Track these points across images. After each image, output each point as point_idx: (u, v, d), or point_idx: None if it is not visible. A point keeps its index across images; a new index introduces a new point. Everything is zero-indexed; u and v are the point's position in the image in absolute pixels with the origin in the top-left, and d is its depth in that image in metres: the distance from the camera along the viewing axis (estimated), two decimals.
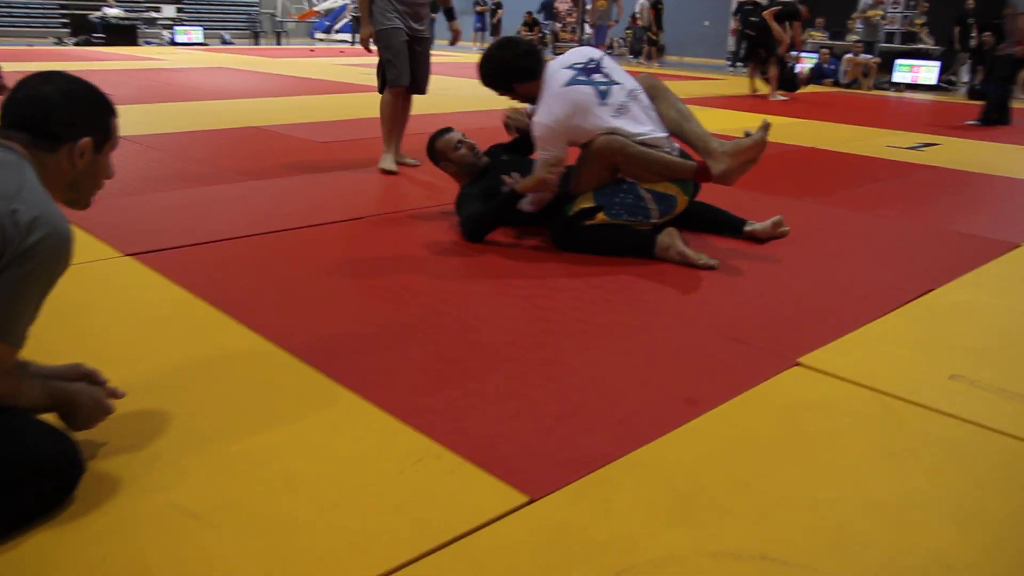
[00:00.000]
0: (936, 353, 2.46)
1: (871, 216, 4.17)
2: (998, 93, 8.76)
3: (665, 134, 3.25)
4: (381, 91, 4.88)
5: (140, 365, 2.14)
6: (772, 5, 10.45)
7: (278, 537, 1.47)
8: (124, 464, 1.66)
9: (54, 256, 1.42)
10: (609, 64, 3.34)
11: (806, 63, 13.93)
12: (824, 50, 14.23)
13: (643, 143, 3.15)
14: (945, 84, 13.71)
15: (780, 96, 10.44)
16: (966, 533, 1.57)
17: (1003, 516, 1.64)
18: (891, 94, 12.74)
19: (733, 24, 16.67)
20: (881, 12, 13.98)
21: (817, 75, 13.79)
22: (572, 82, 3.20)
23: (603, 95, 3.18)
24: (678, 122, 3.27)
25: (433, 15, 4.97)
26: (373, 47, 4.80)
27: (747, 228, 3.57)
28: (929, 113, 9.79)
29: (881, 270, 3.24)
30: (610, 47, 20.12)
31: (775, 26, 10.27)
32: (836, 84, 13.64)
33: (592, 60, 3.31)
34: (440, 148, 3.69)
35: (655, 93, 3.34)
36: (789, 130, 7.45)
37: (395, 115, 4.87)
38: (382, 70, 4.83)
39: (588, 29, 16.88)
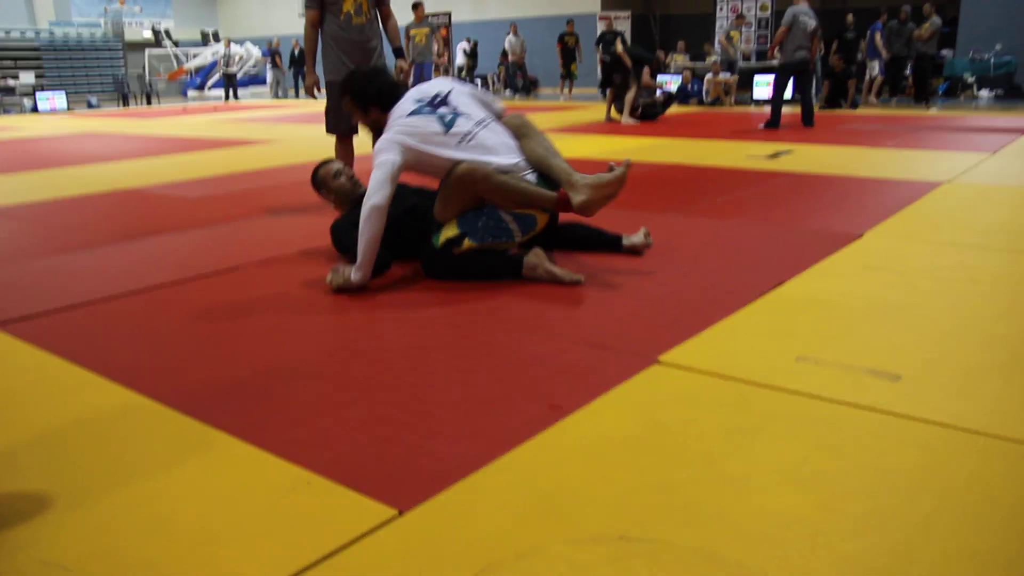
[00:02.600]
0: (784, 339, 2.65)
1: (729, 222, 4.43)
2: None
3: (516, 159, 3.37)
4: (328, 132, 5.12)
5: (6, 433, 2.11)
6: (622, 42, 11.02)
7: None
8: None
9: None
10: (458, 97, 3.48)
11: (670, 85, 14.57)
12: (687, 71, 14.92)
13: (499, 170, 3.28)
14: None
15: (631, 120, 10.91)
16: (804, 492, 1.72)
17: (837, 473, 1.80)
18: (752, 109, 13.44)
19: (598, 54, 17.29)
20: (739, 34, 14.79)
21: (682, 95, 14.44)
22: (414, 113, 3.36)
23: (447, 125, 3.33)
24: (545, 157, 3.39)
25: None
26: (318, 94, 5.12)
27: (626, 243, 3.74)
28: (783, 123, 10.38)
29: (736, 270, 3.46)
30: (484, 82, 20.60)
31: (626, 57, 10.82)
32: (700, 103, 14.29)
33: (439, 95, 3.45)
34: (321, 176, 3.88)
35: (523, 132, 3.48)
36: (655, 149, 7.80)
37: (341, 157, 5.07)
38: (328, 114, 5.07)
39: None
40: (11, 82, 20.31)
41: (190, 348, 2.72)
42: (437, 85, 3.53)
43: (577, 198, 3.27)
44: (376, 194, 3.19)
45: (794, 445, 1.94)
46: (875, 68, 14.05)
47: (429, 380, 2.38)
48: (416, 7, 13.43)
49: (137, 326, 2.97)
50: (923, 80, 13.62)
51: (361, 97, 3.53)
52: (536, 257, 3.31)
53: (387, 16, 5.07)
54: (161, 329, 2.93)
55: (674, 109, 12.93)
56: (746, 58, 16.41)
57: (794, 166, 6.49)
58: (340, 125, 5.02)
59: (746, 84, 14.75)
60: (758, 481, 1.77)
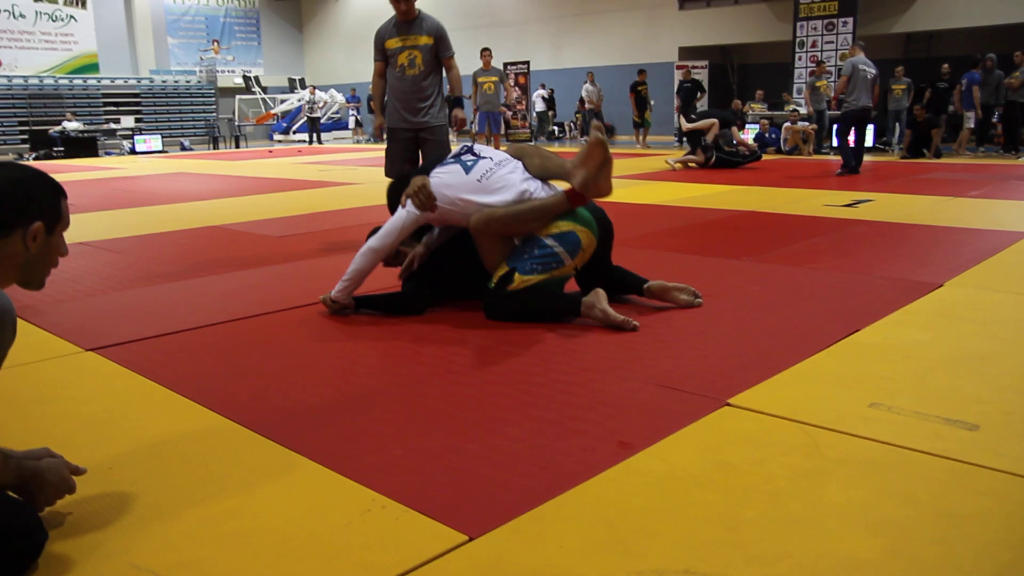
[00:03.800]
0: (857, 386, 2.62)
1: (803, 269, 4.40)
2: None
3: (525, 187, 3.45)
4: (386, 175, 5.40)
5: (100, 448, 2.23)
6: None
7: None
8: (86, 533, 1.76)
9: None
10: (479, 147, 3.69)
11: (749, 134, 14.52)
12: (764, 120, 14.85)
13: (504, 204, 3.39)
14: (881, 146, 14.33)
15: (677, 165, 11.26)
16: (874, 537, 1.71)
17: (907, 520, 1.78)
18: (831, 157, 13.27)
19: (676, 102, 17.35)
20: (825, 83, 14.66)
21: (759, 144, 14.36)
22: (440, 167, 3.58)
23: (468, 168, 3.51)
24: (542, 166, 3.56)
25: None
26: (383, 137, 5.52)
27: (645, 286, 3.65)
28: (864, 172, 10.24)
29: (809, 316, 3.44)
30: (561, 129, 20.85)
31: (695, 125, 11.36)
32: (778, 151, 14.19)
33: (464, 146, 3.70)
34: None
35: (520, 154, 3.64)
36: (730, 196, 7.78)
37: None
38: None
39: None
40: (112, 125, 21.45)
41: (272, 376, 2.84)
42: (465, 144, 3.76)
43: (577, 180, 3.35)
44: (379, 239, 3.47)
45: (864, 490, 1.92)
46: (971, 120, 13.71)
47: (499, 415, 2.43)
48: (483, 53, 13.61)
49: (223, 355, 3.11)
50: (1012, 129, 13.26)
51: (393, 211, 3.69)
52: (595, 296, 3.34)
53: (448, 68, 5.28)
54: (245, 358, 3.06)
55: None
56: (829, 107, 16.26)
57: (873, 215, 6.39)
58: (392, 169, 5.31)
59: (826, 133, 14.60)
60: (826, 524, 1.77)
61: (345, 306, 3.60)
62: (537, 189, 3.47)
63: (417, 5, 5.11)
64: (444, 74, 5.33)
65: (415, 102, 5.17)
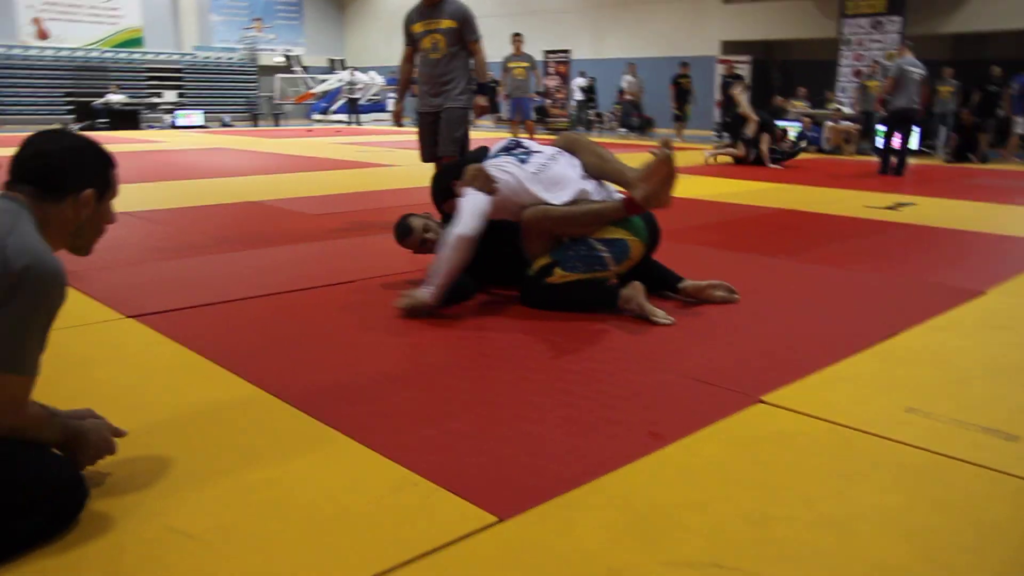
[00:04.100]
0: (894, 389, 2.59)
1: (841, 271, 4.35)
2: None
3: (583, 185, 3.42)
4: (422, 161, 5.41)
5: (140, 412, 2.28)
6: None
7: (264, 553, 1.59)
8: (125, 494, 1.80)
9: (46, 285, 1.56)
10: (526, 142, 3.66)
11: (790, 131, 14.35)
12: (806, 118, 14.66)
13: (562, 204, 3.35)
14: (926, 148, 14.09)
15: (711, 160, 11.13)
16: (909, 544, 1.69)
17: (945, 528, 1.76)
18: (874, 159, 13.08)
19: (718, 96, 17.18)
20: (876, 83, 14.39)
21: (797, 149, 14.19)
22: (492, 157, 3.55)
23: (523, 161, 3.48)
24: (598, 165, 3.51)
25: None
26: (404, 123, 5.58)
27: (680, 285, 3.63)
28: (907, 175, 10.08)
29: (847, 318, 3.40)
30: (599, 119, 20.75)
31: (751, 113, 11.17)
32: (819, 151, 14.01)
33: (512, 140, 3.66)
34: (408, 247, 3.78)
35: (575, 147, 3.60)
36: (769, 193, 7.71)
37: None
38: None
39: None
40: (155, 99, 21.70)
41: (307, 351, 2.87)
42: (510, 140, 3.73)
43: (638, 193, 3.31)
44: (465, 224, 3.23)
45: (899, 495, 1.91)
46: (1020, 125, 13.41)
47: (532, 400, 2.44)
48: (514, 38, 13.40)
49: (261, 327, 3.15)
50: None
51: (438, 201, 3.67)
52: (632, 290, 3.32)
53: (473, 52, 5.22)
54: (282, 332, 3.09)
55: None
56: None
57: (915, 218, 6.30)
58: (425, 153, 5.31)
59: (868, 133, 14.37)
60: (858, 526, 1.76)
61: (433, 310, 3.28)
62: (594, 189, 3.44)
63: None
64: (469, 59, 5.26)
65: (437, 85, 5.16)
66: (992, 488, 1.95)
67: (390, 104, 24.23)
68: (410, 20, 5.21)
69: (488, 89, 5.44)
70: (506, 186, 3.39)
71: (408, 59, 5.30)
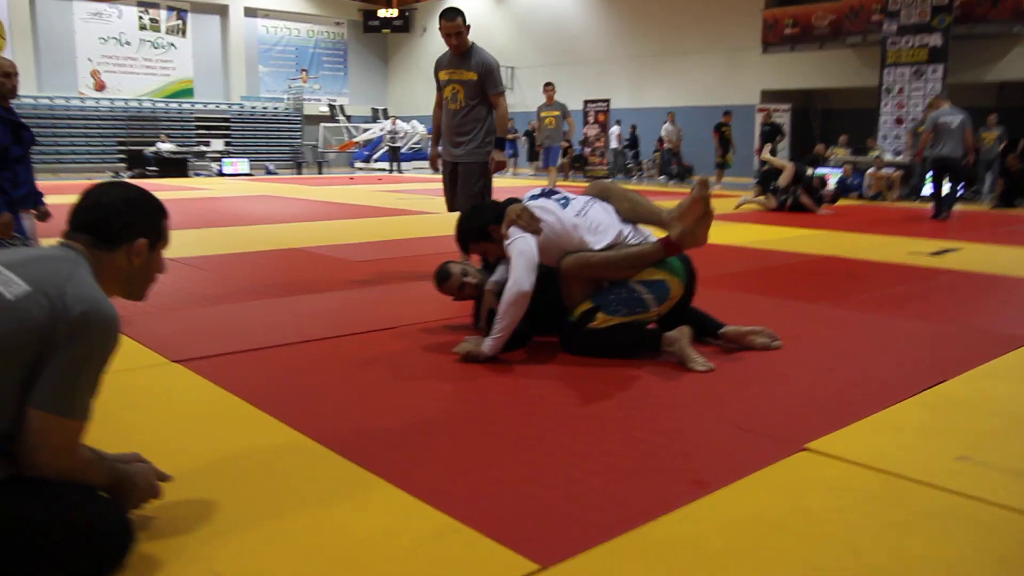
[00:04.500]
0: (944, 437, 2.54)
1: (885, 317, 4.28)
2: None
3: (621, 228, 3.44)
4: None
5: (185, 456, 2.30)
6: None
7: None
8: (170, 538, 1.81)
9: (101, 332, 1.61)
10: (560, 190, 3.69)
11: (831, 179, 14.27)
12: (848, 165, 14.57)
13: (602, 249, 3.35)
14: (971, 195, 13.90)
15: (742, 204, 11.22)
16: None
17: None
18: (916, 204, 12.93)
19: (757, 144, 17.18)
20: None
21: (842, 189, 14.10)
22: (532, 199, 3.58)
23: (563, 206, 3.50)
24: (632, 209, 3.53)
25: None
26: (439, 168, 5.49)
27: (721, 331, 3.59)
28: (952, 221, 9.94)
29: (893, 364, 3.34)
30: (639, 167, 20.83)
31: (771, 159, 11.64)
32: (861, 197, 13.90)
33: (546, 188, 3.69)
34: (447, 293, 3.81)
35: (607, 194, 3.61)
36: (810, 240, 7.64)
37: None
38: None
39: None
40: (202, 148, 22.29)
41: (348, 397, 2.89)
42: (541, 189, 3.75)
43: (674, 232, 3.31)
44: (524, 280, 3.24)
45: (951, 546, 1.85)
46: None
47: (573, 447, 2.42)
48: (546, 88, 13.49)
49: (303, 373, 3.18)
50: None
51: (467, 243, 3.65)
52: (678, 332, 3.31)
53: (495, 106, 5.16)
54: (323, 377, 3.12)
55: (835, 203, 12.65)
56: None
57: (961, 264, 6.20)
58: (448, 201, 5.35)
59: (908, 179, 14.23)
60: None
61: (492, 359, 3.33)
62: (631, 233, 3.45)
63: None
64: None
65: (454, 136, 5.16)
66: None
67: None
68: (439, 66, 5.23)
69: (502, 144, 5.31)
70: (550, 228, 3.40)
71: (439, 105, 5.29)
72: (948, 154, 10.11)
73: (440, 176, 5.50)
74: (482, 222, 3.56)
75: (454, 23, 4.99)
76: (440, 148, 5.36)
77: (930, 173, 10.79)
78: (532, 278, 3.26)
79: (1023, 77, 16.20)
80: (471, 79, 5.06)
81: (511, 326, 3.28)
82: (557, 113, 13.29)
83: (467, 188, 5.16)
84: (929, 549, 1.84)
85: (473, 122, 5.14)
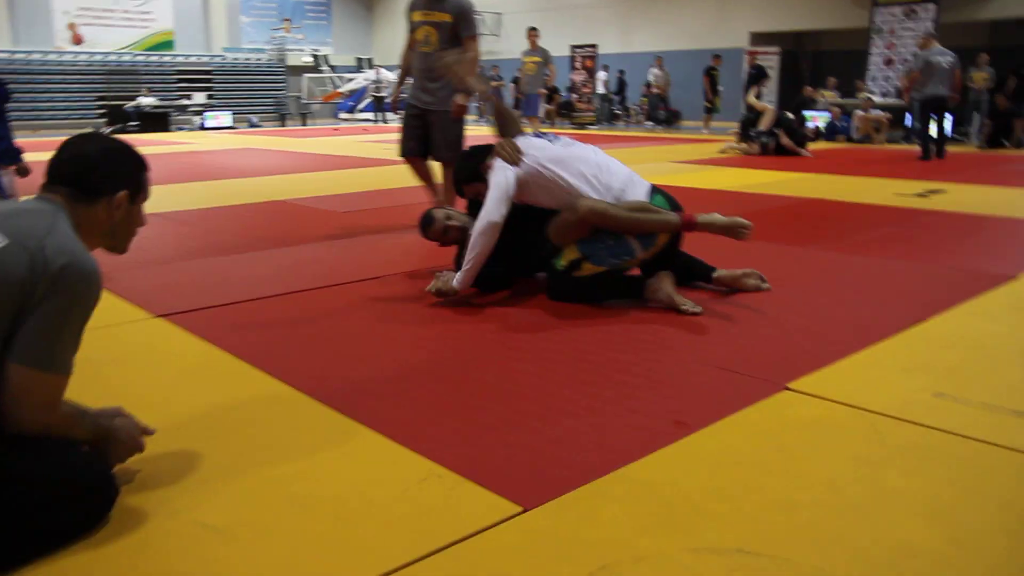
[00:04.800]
0: (924, 375, 2.56)
1: (870, 259, 4.30)
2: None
3: (631, 174, 3.44)
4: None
5: (169, 409, 2.31)
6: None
7: (290, 546, 1.61)
8: (154, 490, 1.83)
9: (82, 285, 1.59)
10: (547, 134, 3.69)
11: (817, 121, 14.21)
12: (835, 108, 14.50)
13: (626, 205, 3.30)
14: (958, 136, 13.87)
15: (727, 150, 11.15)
16: (934, 526, 1.68)
17: (972, 510, 1.74)
18: (903, 146, 12.90)
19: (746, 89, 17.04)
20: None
21: (830, 132, 14.05)
22: (521, 138, 3.57)
23: (552, 141, 3.52)
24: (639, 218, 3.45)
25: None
26: (399, 112, 5.32)
27: (715, 275, 3.62)
28: (938, 161, 9.94)
29: (876, 305, 3.36)
30: (626, 113, 20.66)
31: (756, 103, 11.63)
32: (849, 140, 13.85)
33: (536, 132, 3.67)
34: (432, 239, 3.78)
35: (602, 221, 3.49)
36: (797, 183, 7.63)
37: (420, 179, 5.29)
38: None
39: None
40: (184, 101, 21.96)
41: (332, 347, 2.90)
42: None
43: (702, 219, 3.28)
44: (495, 210, 3.28)
45: (927, 479, 1.89)
46: None
47: (556, 391, 2.44)
48: (530, 32, 13.17)
49: (287, 324, 3.18)
50: None
51: (461, 186, 3.67)
52: (659, 280, 3.31)
53: (466, 50, 4.86)
54: (308, 329, 3.12)
55: (821, 145, 12.62)
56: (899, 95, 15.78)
57: (946, 205, 6.21)
58: (403, 146, 5.16)
59: (898, 122, 14.17)
60: (884, 510, 1.74)
61: (462, 297, 3.37)
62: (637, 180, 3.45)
63: None
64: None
65: (425, 80, 4.95)
66: (1022, 471, 1.92)
67: None
68: (413, 6, 4.99)
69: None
70: (533, 160, 3.39)
71: (411, 47, 5.08)
72: (939, 93, 10.13)
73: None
74: (475, 162, 3.57)
75: None
76: (407, 92, 5.15)
77: (911, 115, 10.91)
78: (503, 209, 3.29)
79: (1018, 15, 16.03)
80: (445, 21, 4.86)
81: (480, 257, 3.29)
82: (539, 59, 13.04)
83: (444, 137, 4.98)
84: (905, 482, 1.87)
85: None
